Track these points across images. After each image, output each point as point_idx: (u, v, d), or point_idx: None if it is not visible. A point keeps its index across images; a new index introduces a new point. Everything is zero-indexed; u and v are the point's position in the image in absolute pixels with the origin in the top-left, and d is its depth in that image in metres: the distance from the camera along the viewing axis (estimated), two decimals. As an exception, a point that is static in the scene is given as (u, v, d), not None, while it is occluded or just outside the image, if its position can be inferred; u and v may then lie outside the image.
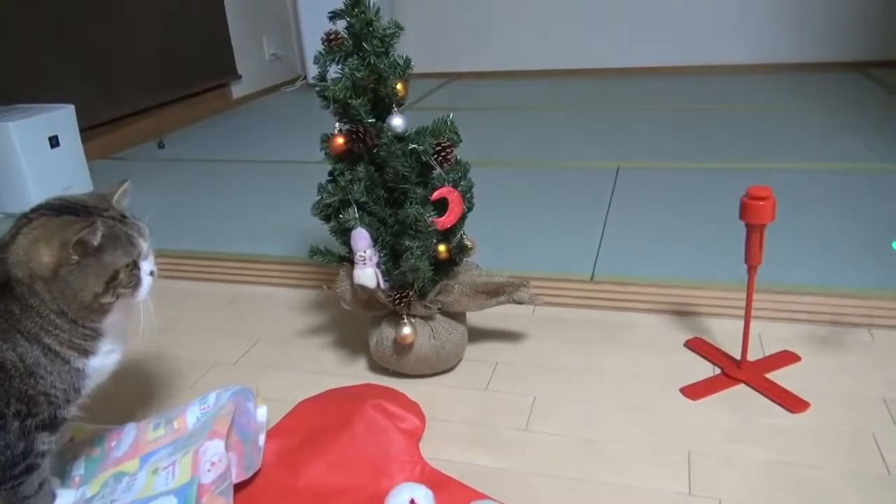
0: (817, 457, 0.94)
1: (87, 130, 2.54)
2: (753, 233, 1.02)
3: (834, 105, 2.81)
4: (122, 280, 0.81)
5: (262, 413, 1.01)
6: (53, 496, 0.89)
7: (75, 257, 0.77)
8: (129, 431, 0.99)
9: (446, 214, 1.08)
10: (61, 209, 0.81)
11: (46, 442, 0.84)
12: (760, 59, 3.61)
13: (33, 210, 0.82)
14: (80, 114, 2.25)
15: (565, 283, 1.47)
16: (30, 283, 0.77)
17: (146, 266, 0.85)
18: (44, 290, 0.78)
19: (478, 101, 3.40)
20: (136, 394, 1.17)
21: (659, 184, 2.04)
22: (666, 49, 3.72)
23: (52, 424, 0.83)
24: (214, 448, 0.88)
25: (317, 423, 1.01)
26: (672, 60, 3.73)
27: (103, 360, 0.85)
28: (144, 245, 0.85)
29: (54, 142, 2.14)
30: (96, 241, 0.78)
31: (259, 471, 0.94)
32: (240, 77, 3.63)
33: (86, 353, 0.83)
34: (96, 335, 0.83)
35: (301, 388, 1.15)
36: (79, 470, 0.95)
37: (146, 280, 0.85)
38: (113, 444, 0.97)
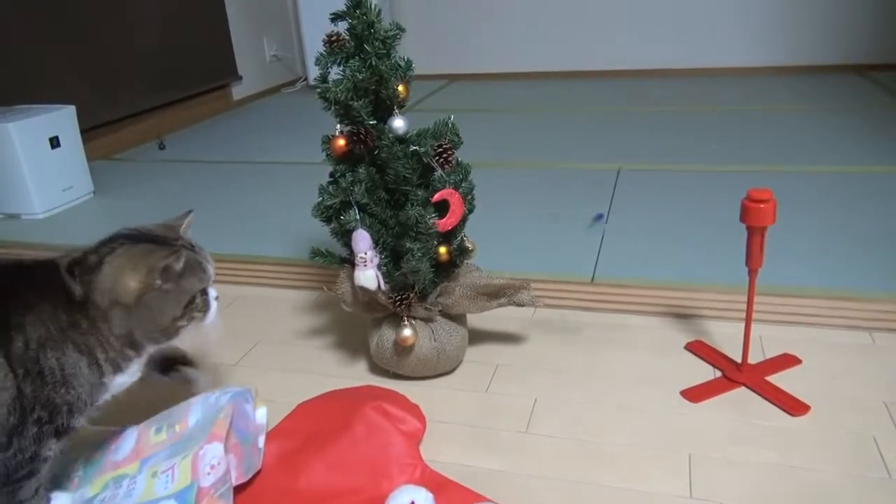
0: (818, 460, 0.94)
1: (88, 131, 2.54)
2: (754, 235, 1.02)
3: (835, 108, 2.82)
4: (198, 304, 0.89)
5: (261, 414, 1.00)
6: (48, 500, 0.90)
7: (159, 282, 0.83)
8: (130, 435, 0.98)
9: (447, 216, 1.07)
10: (139, 238, 0.87)
11: (52, 449, 0.86)
12: (762, 62, 3.61)
13: (111, 240, 0.87)
14: (81, 114, 2.25)
15: (566, 285, 1.47)
16: (107, 309, 0.83)
17: (213, 292, 0.92)
18: (118, 317, 0.83)
19: (479, 102, 3.40)
20: (136, 395, 1.16)
21: (660, 186, 2.04)
22: (667, 51, 3.72)
23: (63, 432, 0.85)
24: (213, 451, 0.88)
25: (317, 424, 1.01)
26: (673, 63, 3.73)
27: (127, 379, 0.89)
28: (211, 269, 0.92)
29: (55, 142, 2.14)
30: (180, 267, 0.85)
31: (259, 472, 0.94)
32: (240, 78, 3.63)
33: (119, 370, 0.87)
34: (136, 357, 0.88)
35: (301, 390, 1.15)
36: (77, 472, 0.95)
37: (213, 304, 0.92)
38: (113, 447, 0.97)
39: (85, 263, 0.85)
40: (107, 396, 0.89)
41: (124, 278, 0.83)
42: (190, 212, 0.97)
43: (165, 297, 0.85)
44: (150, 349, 0.90)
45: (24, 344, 0.80)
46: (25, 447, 0.82)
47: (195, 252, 0.91)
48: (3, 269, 0.85)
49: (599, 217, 1.02)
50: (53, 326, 0.81)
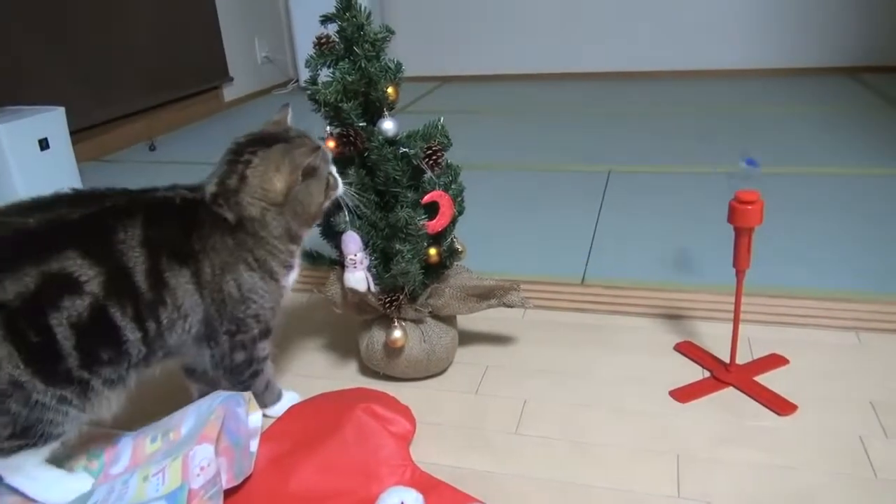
0: (805, 459, 0.95)
1: (78, 132, 2.53)
2: (741, 236, 1.03)
3: (826, 110, 2.83)
4: (332, 183, 0.99)
5: (255, 419, 1.00)
6: (279, 391, 1.09)
7: (299, 178, 0.93)
8: (126, 446, 0.98)
9: (437, 218, 1.08)
10: (265, 140, 0.95)
11: (264, 349, 1.03)
12: (753, 64, 3.63)
13: (237, 153, 0.94)
14: (71, 116, 2.25)
15: (556, 286, 1.47)
16: (261, 216, 0.93)
17: (333, 167, 1.01)
18: (273, 219, 0.94)
19: (469, 104, 3.41)
20: (128, 399, 1.16)
21: (650, 187, 2.05)
22: (658, 53, 3.73)
23: (265, 334, 1.02)
24: (203, 452, 0.88)
25: (307, 427, 1.01)
26: (664, 65, 3.74)
27: (295, 273, 1.02)
28: (328, 152, 1.00)
29: (44, 144, 2.13)
30: (318, 162, 0.94)
31: (250, 474, 0.94)
32: (231, 79, 3.62)
33: (291, 267, 1.00)
34: (298, 248, 1.00)
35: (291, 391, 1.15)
36: None
37: (338, 177, 1.01)
38: (111, 457, 0.97)
39: (226, 189, 0.93)
40: (286, 295, 1.02)
41: (271, 182, 0.92)
42: (287, 105, 1.04)
43: (309, 187, 0.95)
44: (305, 237, 1.00)
45: (211, 270, 0.92)
46: (227, 354, 0.97)
47: (311, 139, 0.98)
48: (170, 204, 0.93)
49: (750, 164, 1.00)
50: (225, 252, 0.92)
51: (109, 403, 0.88)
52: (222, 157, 0.97)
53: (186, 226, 0.91)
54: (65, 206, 0.85)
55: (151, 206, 0.91)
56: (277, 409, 1.08)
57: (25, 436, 0.82)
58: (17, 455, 0.84)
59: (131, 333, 0.86)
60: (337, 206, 1.08)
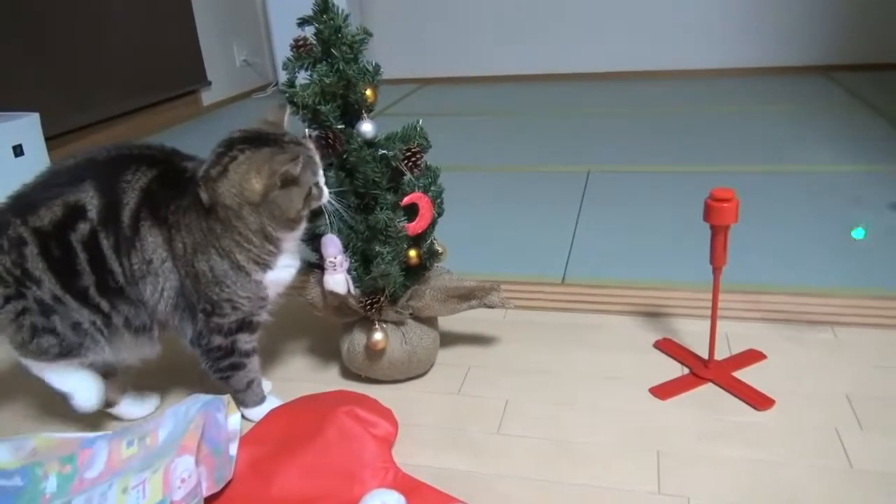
0: (783, 452, 0.96)
1: (54, 138, 2.50)
2: (717, 234, 1.04)
3: (800, 108, 2.88)
4: (315, 193, 0.98)
5: (234, 421, 1.00)
6: (263, 398, 1.09)
7: (278, 184, 0.93)
8: (101, 449, 0.97)
9: (417, 220, 1.08)
10: (257, 141, 0.96)
11: (248, 341, 1.04)
12: (728, 64, 3.67)
13: (228, 146, 0.95)
14: (46, 121, 2.22)
15: (537, 286, 1.48)
16: (238, 209, 0.94)
17: (322, 178, 1.01)
18: (249, 214, 0.94)
19: (451, 106, 3.41)
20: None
21: (628, 187, 2.06)
22: (635, 54, 3.77)
23: (247, 326, 1.02)
24: (184, 464, 0.87)
25: (289, 430, 1.01)
26: (642, 65, 3.78)
27: (279, 274, 1.01)
28: (319, 160, 1.00)
29: (18, 150, 2.10)
30: (298, 170, 0.93)
31: (231, 479, 0.93)
32: (209, 83, 3.60)
33: (266, 267, 0.99)
34: (277, 252, 0.99)
35: (273, 396, 1.14)
36: (51, 487, 0.93)
37: (325, 189, 1.01)
38: (85, 461, 0.96)
39: (208, 176, 0.94)
40: (271, 292, 1.02)
41: (249, 183, 0.92)
42: (284, 105, 1.05)
43: (289, 193, 0.95)
44: (287, 242, 1.00)
45: (183, 246, 0.96)
46: (205, 334, 1.00)
47: (304, 147, 0.98)
48: (180, 174, 0.98)
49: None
50: (198, 233, 0.95)
51: (130, 347, 1.01)
52: (214, 147, 0.98)
53: (176, 195, 0.96)
54: (106, 149, 1.00)
55: (170, 166, 0.99)
56: (257, 413, 1.07)
57: (68, 356, 0.98)
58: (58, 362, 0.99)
59: (114, 264, 0.94)
60: (320, 211, 1.08)
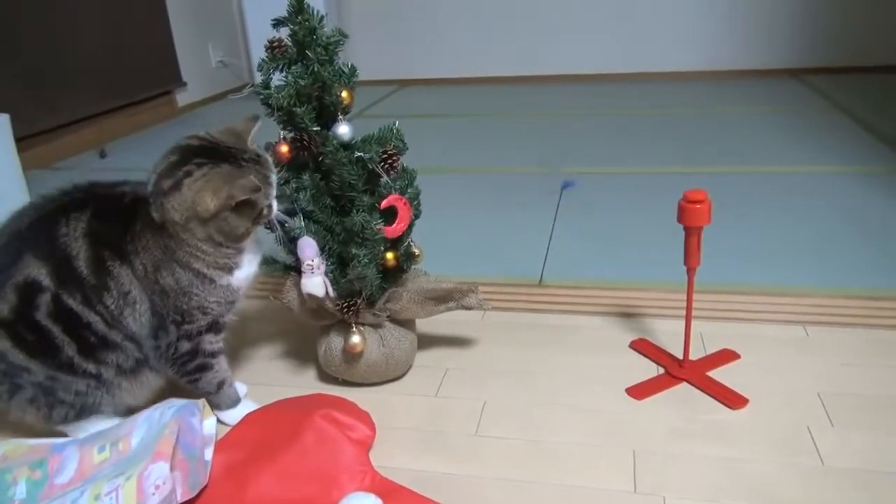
0: (756, 450, 0.97)
1: (24, 140, 2.45)
2: (691, 235, 1.05)
3: (772, 110, 2.92)
4: (265, 214, 0.98)
5: (209, 425, 0.98)
6: (236, 400, 1.09)
7: (232, 205, 0.92)
8: (72, 454, 0.95)
9: (396, 222, 1.08)
10: (209, 154, 0.94)
11: (213, 342, 1.03)
12: (703, 67, 3.72)
13: (183, 157, 0.93)
14: (16, 123, 2.17)
15: (514, 287, 1.48)
16: (184, 222, 0.92)
17: (273, 194, 1.00)
18: (197, 227, 0.93)
19: (428, 108, 3.41)
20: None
21: (605, 188, 2.08)
22: (612, 56, 3.80)
23: (213, 327, 1.02)
24: (158, 471, 0.86)
25: (265, 434, 1.00)
26: (618, 67, 3.81)
27: (248, 270, 1.01)
28: (274, 179, 1.00)
29: (-12, 152, 2.05)
30: (256, 197, 0.93)
31: (206, 485, 0.92)
32: (185, 84, 3.56)
33: (230, 269, 0.99)
34: (239, 252, 0.99)
35: (249, 400, 1.13)
36: (21, 494, 0.92)
37: (275, 207, 1.01)
38: (56, 466, 0.94)
39: (159, 189, 0.93)
40: (241, 292, 1.03)
41: (204, 200, 0.91)
42: (257, 118, 1.02)
43: (239, 214, 0.94)
44: (241, 244, 0.99)
45: (143, 267, 0.94)
46: (173, 342, 0.98)
47: (261, 165, 0.97)
48: (117, 202, 0.97)
49: (567, 185, 1.07)
50: (157, 251, 0.94)
51: (133, 390, 1.02)
52: (167, 151, 0.96)
53: (127, 224, 0.95)
54: (25, 215, 0.95)
55: (102, 200, 0.97)
56: (232, 416, 1.07)
57: (88, 416, 0.99)
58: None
59: (90, 316, 0.93)
60: (291, 212, 1.07)
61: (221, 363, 1.06)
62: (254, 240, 1.02)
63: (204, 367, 1.03)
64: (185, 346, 1.00)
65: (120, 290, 0.93)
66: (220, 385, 1.06)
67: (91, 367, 0.95)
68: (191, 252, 0.95)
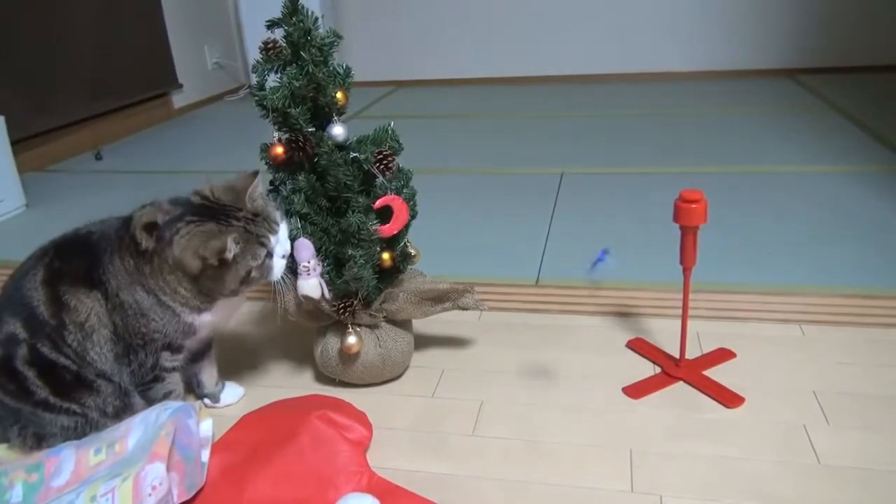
0: (752, 449, 0.97)
1: (20, 142, 2.45)
2: (687, 235, 1.06)
3: (766, 110, 2.93)
4: (255, 276, 0.97)
5: (206, 427, 0.98)
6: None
7: (214, 264, 0.92)
8: (69, 457, 0.95)
9: (392, 222, 1.08)
10: (202, 212, 0.94)
11: (170, 360, 1.02)
12: (698, 67, 3.73)
13: (181, 215, 0.94)
14: (11, 125, 2.17)
15: (510, 287, 1.49)
16: (174, 269, 0.93)
17: (279, 251, 0.99)
18: (184, 279, 0.94)
19: (424, 109, 3.41)
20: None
21: (601, 189, 2.08)
22: (607, 57, 3.80)
23: (171, 348, 1.01)
24: (155, 472, 0.86)
25: (262, 435, 1.00)
26: (613, 68, 3.81)
27: (216, 316, 1.01)
28: (274, 238, 0.98)
29: (-18, 155, 2.05)
30: (231, 256, 0.92)
31: (203, 486, 0.92)
32: (181, 86, 3.55)
33: (199, 311, 0.98)
34: (209, 305, 0.98)
35: (246, 402, 1.13)
36: (17, 497, 0.92)
37: (278, 264, 0.99)
38: (52, 469, 0.94)
39: (161, 233, 0.94)
40: (204, 329, 1.01)
41: (187, 258, 0.92)
42: (257, 173, 1.00)
43: (223, 274, 0.94)
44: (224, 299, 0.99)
45: (113, 291, 0.95)
46: (143, 361, 0.99)
47: (256, 224, 0.96)
48: (82, 240, 0.98)
49: (600, 259, 1.06)
50: (122, 275, 0.95)
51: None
52: (176, 196, 0.98)
53: (94, 254, 0.96)
54: (11, 278, 0.99)
55: (64, 242, 0.99)
56: None
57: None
58: None
59: (60, 359, 0.95)
60: (287, 214, 1.07)
61: (174, 377, 1.05)
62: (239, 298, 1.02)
63: (157, 379, 1.03)
64: (150, 361, 1.01)
65: (76, 323, 0.94)
66: (167, 395, 1.05)
67: (75, 406, 0.97)
68: (162, 287, 0.95)
